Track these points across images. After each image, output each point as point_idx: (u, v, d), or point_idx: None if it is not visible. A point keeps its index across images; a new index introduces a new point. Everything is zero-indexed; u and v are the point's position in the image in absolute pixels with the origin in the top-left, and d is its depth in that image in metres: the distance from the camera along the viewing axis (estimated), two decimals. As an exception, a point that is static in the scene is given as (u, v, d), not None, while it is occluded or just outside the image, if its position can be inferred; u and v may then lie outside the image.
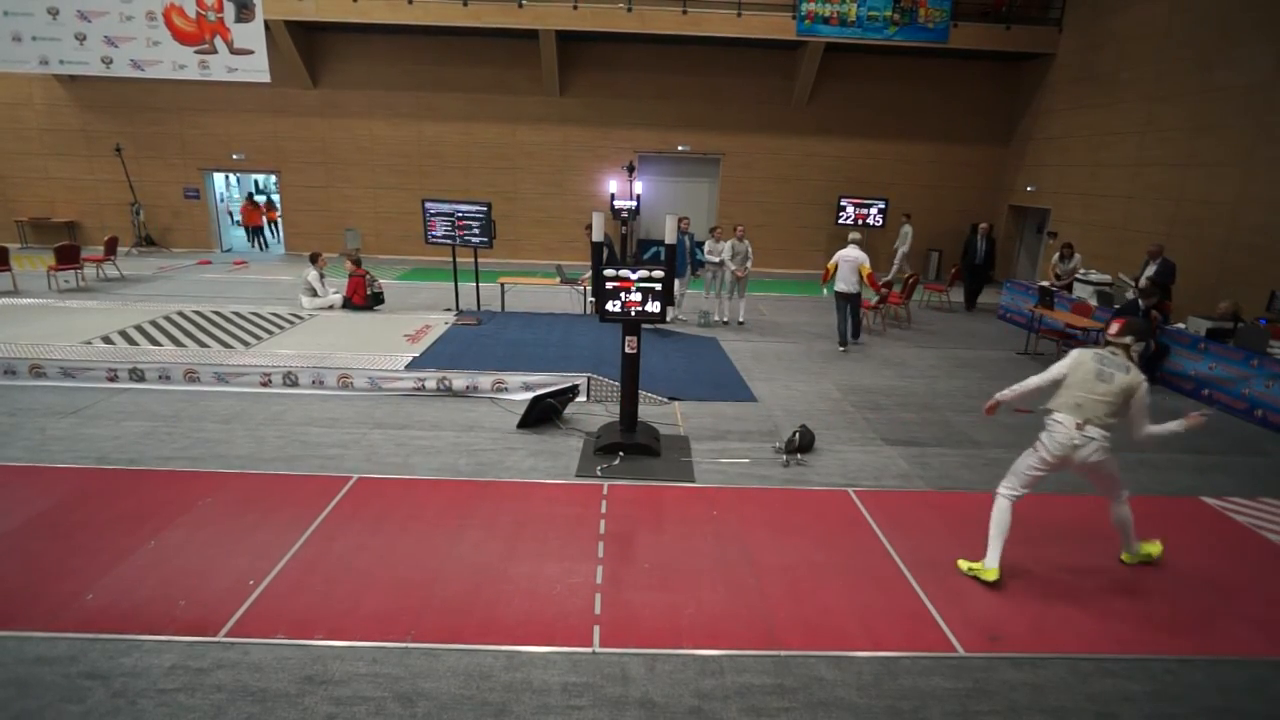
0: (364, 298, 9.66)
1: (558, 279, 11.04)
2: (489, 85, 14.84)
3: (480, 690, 3.14)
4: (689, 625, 3.62)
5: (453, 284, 10.74)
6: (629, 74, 14.83)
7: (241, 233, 17.45)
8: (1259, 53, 9.23)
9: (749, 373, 8.05)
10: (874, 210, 14.92)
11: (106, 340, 7.46)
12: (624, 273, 5.47)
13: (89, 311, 8.84)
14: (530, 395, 6.45)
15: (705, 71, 14.78)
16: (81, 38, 12.61)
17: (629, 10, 13.28)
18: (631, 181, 14.36)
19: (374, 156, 15.32)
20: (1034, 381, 4.10)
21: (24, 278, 11.84)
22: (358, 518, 4.55)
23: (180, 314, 8.81)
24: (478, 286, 10.26)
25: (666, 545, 4.38)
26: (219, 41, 12.82)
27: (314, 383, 6.93)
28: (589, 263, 8.79)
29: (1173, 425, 3.86)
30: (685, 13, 13.30)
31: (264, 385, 6.92)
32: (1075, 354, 4.04)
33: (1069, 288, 10.63)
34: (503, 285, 10.94)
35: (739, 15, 13.37)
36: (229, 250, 16.27)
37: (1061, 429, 3.89)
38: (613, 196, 14.39)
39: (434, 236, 9.82)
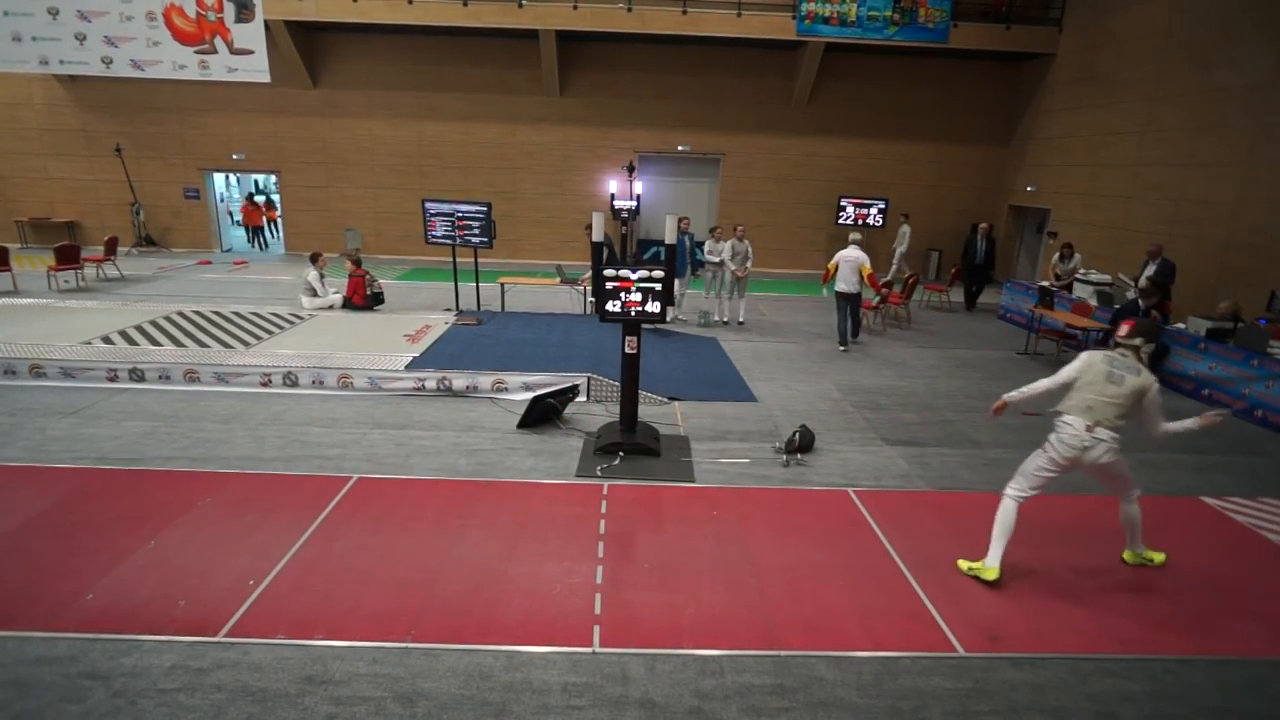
0: (364, 298, 9.67)
1: (558, 279, 11.04)
2: (489, 85, 14.84)
3: (480, 690, 3.14)
4: (689, 625, 3.62)
5: (453, 284, 10.74)
6: (629, 74, 14.83)
7: (241, 233, 17.45)
8: (1259, 53, 9.23)
9: (749, 373, 8.05)
10: (874, 210, 14.91)
11: (106, 340, 7.46)
12: (624, 273, 5.47)
13: (89, 311, 8.84)
14: (530, 395, 6.45)
15: (705, 71, 14.78)
16: (81, 38, 12.60)
17: (629, 10, 13.28)
18: (631, 181, 14.36)
19: (374, 156, 15.32)
20: (1044, 384, 4.09)
21: (24, 278, 11.83)
22: (358, 518, 4.55)
23: (180, 314, 8.81)
24: (478, 286, 10.26)
25: (666, 545, 4.38)
26: (219, 41, 12.81)
27: (314, 383, 6.93)
28: (589, 263, 8.78)
29: (1188, 423, 3.86)
30: (685, 13, 13.30)
31: (264, 385, 6.92)
32: (1085, 356, 4.03)
33: (1069, 288, 10.62)
34: (503, 285, 10.94)
35: (739, 15, 13.37)
36: (229, 250, 16.27)
37: (1071, 431, 3.89)
38: (613, 196, 14.39)
39: (434, 236, 9.83)
